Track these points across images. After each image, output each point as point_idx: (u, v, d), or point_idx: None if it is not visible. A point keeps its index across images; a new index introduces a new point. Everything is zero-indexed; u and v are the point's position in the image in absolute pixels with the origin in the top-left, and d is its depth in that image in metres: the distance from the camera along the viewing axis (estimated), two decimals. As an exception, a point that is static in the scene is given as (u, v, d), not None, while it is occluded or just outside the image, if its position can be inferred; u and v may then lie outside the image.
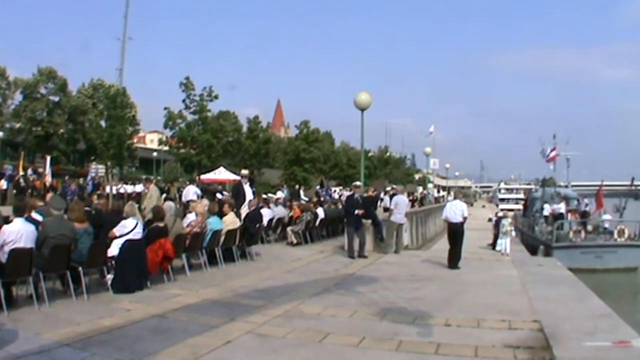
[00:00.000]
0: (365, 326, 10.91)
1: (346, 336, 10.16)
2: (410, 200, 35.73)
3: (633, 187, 46.48)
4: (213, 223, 18.16)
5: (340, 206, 33.85)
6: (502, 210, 44.42)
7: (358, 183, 25.23)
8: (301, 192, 58.56)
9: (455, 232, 21.19)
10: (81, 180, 59.02)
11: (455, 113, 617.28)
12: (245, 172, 24.93)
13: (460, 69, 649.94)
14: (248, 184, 24.35)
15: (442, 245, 25.89)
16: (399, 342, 9.81)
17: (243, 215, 21.67)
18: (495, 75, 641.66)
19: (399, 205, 24.66)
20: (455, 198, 22.85)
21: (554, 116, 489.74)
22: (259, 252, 21.12)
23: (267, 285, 15.38)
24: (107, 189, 47.93)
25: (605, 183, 50.78)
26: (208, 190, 40.92)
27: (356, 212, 22.46)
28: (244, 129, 74.50)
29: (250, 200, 23.28)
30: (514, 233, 32.51)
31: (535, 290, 15.80)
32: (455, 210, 21.30)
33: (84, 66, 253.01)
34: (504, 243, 27.39)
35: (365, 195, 27.15)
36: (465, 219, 21.46)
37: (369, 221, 24.43)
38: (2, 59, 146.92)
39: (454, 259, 20.99)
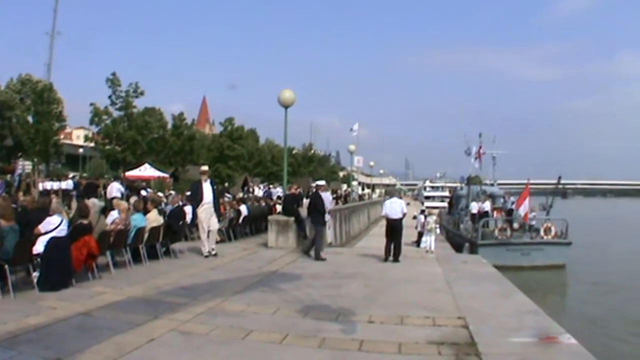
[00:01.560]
0: (289, 323, 10.88)
1: (269, 333, 10.13)
2: (334, 198, 35.88)
3: (560, 186, 47.30)
4: (137, 220, 18.00)
5: (263, 203, 33.90)
6: (426, 207, 44.64)
7: (322, 182, 25.42)
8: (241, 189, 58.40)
9: (395, 228, 21.98)
10: (8, 176, 58.19)
11: (381, 111, 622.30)
12: (204, 168, 22.53)
13: (386, 67, 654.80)
14: (209, 181, 21.54)
15: (366, 243, 26.17)
16: (322, 339, 9.81)
17: (201, 217, 20.86)
18: (422, 74, 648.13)
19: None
20: (392, 196, 23.61)
21: (481, 115, 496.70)
22: (182, 250, 21.01)
23: (190, 282, 15.29)
24: (40, 186, 47.25)
25: (532, 181, 51.43)
26: (133, 187, 40.51)
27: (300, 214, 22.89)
28: (169, 126, 73.87)
29: (205, 201, 21.39)
30: (438, 230, 32.79)
31: (460, 287, 15.88)
32: (395, 207, 22.12)
33: (13, 61, 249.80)
34: (428, 240, 27.71)
35: (288, 193, 27.37)
36: (404, 215, 22.34)
37: (292, 218, 24.58)
38: None
39: (393, 253, 21.76)
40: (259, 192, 51.26)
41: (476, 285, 16.47)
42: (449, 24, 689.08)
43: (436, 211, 51.71)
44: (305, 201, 29.00)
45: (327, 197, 25.15)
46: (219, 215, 21.92)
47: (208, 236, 20.74)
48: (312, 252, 21.72)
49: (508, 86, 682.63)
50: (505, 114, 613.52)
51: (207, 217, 20.62)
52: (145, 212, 19.00)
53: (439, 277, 18.17)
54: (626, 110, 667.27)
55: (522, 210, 40.11)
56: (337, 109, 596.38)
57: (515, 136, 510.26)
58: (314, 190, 24.98)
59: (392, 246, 21.85)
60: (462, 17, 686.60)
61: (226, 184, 65.12)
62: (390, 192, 26.84)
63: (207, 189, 21.00)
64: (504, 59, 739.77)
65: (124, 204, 19.30)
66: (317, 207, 22.56)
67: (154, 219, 19.07)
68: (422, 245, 28.73)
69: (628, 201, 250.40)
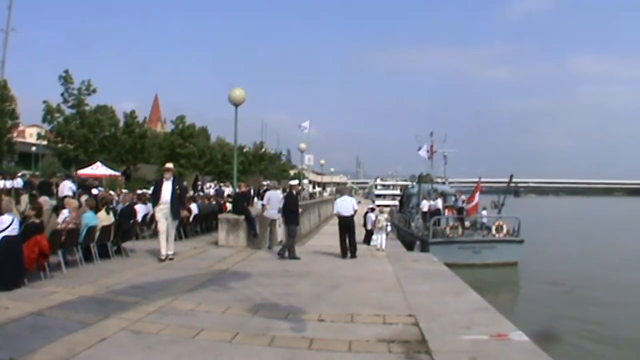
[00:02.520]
0: (239, 322, 10.91)
1: (219, 332, 10.14)
2: (284, 196, 36.02)
3: (512, 185, 47.63)
4: (88, 218, 17.85)
5: (214, 202, 33.87)
6: (377, 206, 44.69)
7: (295, 182, 25.50)
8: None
9: (348, 225, 22.57)
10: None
11: (332, 109, 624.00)
12: (168, 165, 21.09)
13: (338, 65, 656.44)
14: (171, 180, 19.97)
15: (317, 241, 26.18)
16: (272, 337, 9.84)
17: (158, 217, 20.03)
18: (374, 72, 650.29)
19: (272, 200, 24.53)
20: (343, 194, 24.20)
21: (433, 114, 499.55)
22: (133, 249, 20.87)
23: (141, 281, 15.26)
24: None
25: (485, 180, 51.76)
26: (85, 186, 40.15)
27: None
28: (121, 124, 73.28)
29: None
30: (390, 228, 32.86)
31: (411, 285, 16.02)
32: (346, 205, 22.67)
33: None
34: (379, 238, 27.62)
35: (238, 191, 27.32)
36: (355, 212, 22.95)
37: (242, 217, 24.66)
38: None
39: (348, 250, 22.37)
40: (209, 190, 51.10)
41: (427, 283, 16.63)
42: (402, 22, 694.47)
43: (387, 209, 51.86)
44: (256, 200, 28.96)
45: (276, 195, 25.13)
46: (176, 217, 20.28)
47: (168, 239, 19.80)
48: (284, 252, 21.88)
49: (461, 85, 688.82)
50: (457, 113, 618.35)
51: (164, 219, 19.62)
52: (96, 210, 18.86)
53: (390, 275, 18.31)
54: (575, 110, 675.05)
55: (471, 204, 40.85)
56: (288, 107, 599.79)
57: (467, 135, 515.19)
58: (288, 190, 24.98)
59: (347, 243, 22.28)
60: (416, 16, 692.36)
61: (185, 183, 64.87)
62: (341, 190, 26.97)
63: (166, 188, 19.75)
64: (457, 58, 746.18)
65: (74, 202, 19.04)
66: (291, 207, 22.83)
67: (105, 217, 18.93)
68: (373, 243, 28.70)
69: (580, 200, 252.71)
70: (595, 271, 36.76)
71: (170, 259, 19.49)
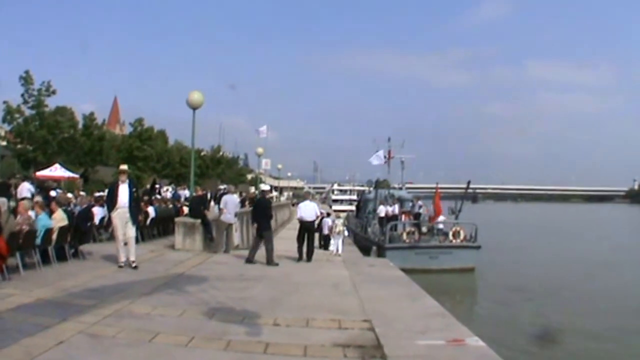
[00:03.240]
0: (195, 326, 10.93)
1: (175, 336, 10.16)
2: (242, 200, 35.95)
3: (470, 190, 47.84)
4: (42, 220, 17.72)
5: (171, 205, 33.81)
6: (335, 211, 44.67)
7: (266, 187, 25.56)
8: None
9: (309, 230, 23.00)
10: None
11: (290, 114, 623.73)
12: (123, 167, 19.57)
13: (296, 69, 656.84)
14: (127, 182, 18.72)
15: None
16: (228, 341, 9.85)
17: (115, 222, 18.89)
18: (332, 77, 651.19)
19: (229, 204, 24.78)
20: (306, 199, 24.47)
21: (392, 119, 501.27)
22: (91, 252, 20.66)
23: (98, 284, 15.14)
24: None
25: (442, 186, 52.01)
26: (43, 188, 39.87)
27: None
28: (80, 126, 72.66)
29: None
30: (346, 233, 32.92)
31: (366, 290, 16.12)
32: (309, 210, 22.88)
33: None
34: (336, 243, 27.75)
35: (194, 195, 27.32)
36: (317, 217, 23.70)
37: (199, 221, 24.61)
38: None
39: (306, 254, 22.72)
40: (167, 193, 50.92)
41: (383, 289, 16.73)
42: (362, 27, 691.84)
43: (344, 214, 52.07)
44: (212, 203, 28.89)
45: (233, 200, 25.42)
46: (135, 222, 19.10)
47: (126, 244, 18.76)
48: (252, 258, 21.84)
49: (420, 91, 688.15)
50: (416, 119, 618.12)
51: (122, 224, 18.52)
52: (51, 212, 18.72)
53: (346, 280, 18.44)
54: (531, 116, 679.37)
55: (441, 217, 41.44)
56: (246, 111, 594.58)
57: (426, 141, 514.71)
58: (260, 195, 25.03)
59: (304, 247, 22.58)
60: (374, 21, 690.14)
61: (148, 186, 64.58)
62: (303, 195, 27.13)
63: (123, 191, 18.53)
64: (416, 64, 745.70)
65: (24, 203, 18.88)
66: (265, 213, 22.65)
67: (60, 218, 18.74)
68: (331, 248, 28.82)
69: (538, 206, 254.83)
70: (553, 278, 37.15)
71: (135, 267, 18.30)
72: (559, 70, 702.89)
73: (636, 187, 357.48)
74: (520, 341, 20.09)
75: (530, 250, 54.37)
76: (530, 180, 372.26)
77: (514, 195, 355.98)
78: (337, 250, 27.44)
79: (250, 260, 21.69)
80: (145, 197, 32.00)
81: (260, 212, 22.69)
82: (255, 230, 22.68)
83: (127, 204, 18.47)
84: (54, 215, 18.62)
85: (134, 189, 19.11)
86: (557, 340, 20.65)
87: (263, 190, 25.27)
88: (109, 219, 21.30)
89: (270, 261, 21.55)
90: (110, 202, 18.90)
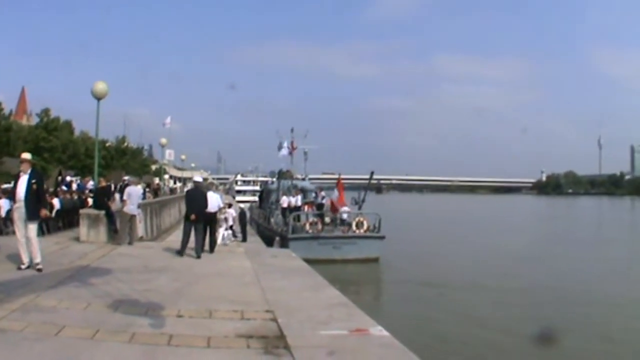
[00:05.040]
0: (99, 318, 10.78)
1: (81, 329, 10.00)
2: (147, 191, 35.71)
3: (375, 181, 48.22)
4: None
5: (76, 197, 33.50)
6: (238, 201, 44.55)
7: (199, 178, 25.40)
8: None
9: (211, 221, 22.86)
10: None
11: (194, 104, 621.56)
12: (24, 156, 17.02)
13: (200, 59, 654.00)
14: (28, 172, 16.42)
15: (177, 237, 26.07)
16: (132, 333, 9.79)
17: (14, 219, 17.09)
18: (238, 68, 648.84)
19: (132, 196, 24.59)
20: (209, 190, 24.23)
21: (297, 110, 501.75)
22: (-1, 245, 20.33)
23: (3, 278, 14.80)
24: None
25: (347, 176, 52.25)
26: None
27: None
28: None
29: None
30: (230, 222, 32.93)
31: (269, 281, 16.20)
32: (212, 201, 22.77)
33: None
34: (222, 233, 28.08)
35: (98, 186, 27.08)
36: (220, 208, 24.00)
37: (103, 212, 24.47)
38: None
39: (209, 245, 22.58)
40: (73, 185, 50.27)
41: (285, 279, 16.84)
42: (267, 19, 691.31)
43: (247, 205, 52.27)
44: (117, 195, 28.72)
45: (136, 191, 25.33)
46: (32, 218, 16.46)
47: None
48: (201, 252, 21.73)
49: (326, 83, 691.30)
50: (322, 111, 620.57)
51: (21, 221, 16.45)
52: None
53: (248, 270, 18.47)
54: (438, 110, 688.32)
55: (345, 208, 41.43)
56: (151, 102, 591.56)
57: (331, 132, 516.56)
58: (193, 186, 24.94)
59: (197, 238, 22.14)
60: (284, 11, 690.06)
61: (59, 178, 63.80)
62: (206, 186, 26.94)
63: (22, 183, 16.36)
64: (323, 55, 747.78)
65: None
66: (201, 204, 22.36)
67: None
68: (220, 241, 28.77)
69: (443, 197, 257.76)
70: (456, 269, 37.61)
71: (39, 269, 16.14)
72: (466, 64, 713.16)
73: (544, 178, 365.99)
74: (425, 330, 20.39)
75: (433, 240, 55.30)
76: (437, 171, 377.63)
77: (419, 186, 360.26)
78: (223, 240, 27.99)
79: (197, 255, 21.43)
80: (51, 189, 31.64)
81: (199, 204, 22.39)
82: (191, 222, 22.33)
83: (23, 198, 16.34)
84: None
85: (33, 181, 16.48)
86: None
87: (196, 182, 25.16)
88: None
89: (200, 253, 21.47)
90: (13, 195, 17.14)
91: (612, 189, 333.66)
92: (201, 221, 21.97)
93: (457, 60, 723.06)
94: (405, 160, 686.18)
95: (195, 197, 22.43)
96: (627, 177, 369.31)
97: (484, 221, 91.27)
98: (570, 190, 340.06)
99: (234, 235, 33.03)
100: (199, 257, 21.10)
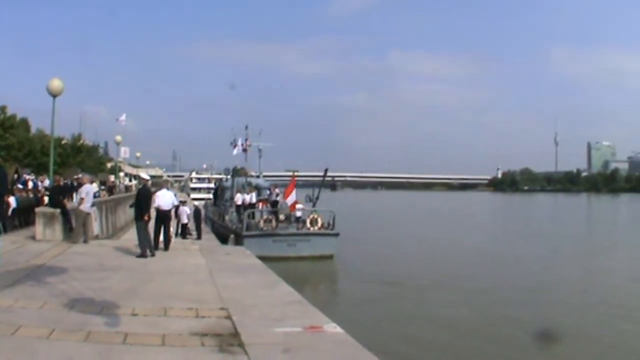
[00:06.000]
0: (55, 317, 10.73)
1: (37, 328, 9.93)
2: (103, 189, 35.62)
3: (329, 178, 48.30)
4: None
5: (32, 195, 33.30)
6: (193, 199, 44.38)
7: (146, 175, 25.29)
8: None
9: (165, 219, 22.88)
10: None
11: (150, 102, 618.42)
12: None
13: (155, 57, 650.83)
14: None
15: (132, 235, 25.97)
16: (88, 332, 9.76)
17: None
18: (192, 65, 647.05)
19: (88, 194, 24.41)
20: (162, 187, 24.47)
21: (252, 108, 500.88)
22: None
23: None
24: None
25: (301, 174, 52.27)
26: None
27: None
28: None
29: None
30: (185, 220, 32.81)
31: (223, 278, 16.24)
32: (166, 198, 22.80)
33: None
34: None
35: (54, 184, 26.99)
36: (174, 206, 24.10)
37: (58, 210, 24.28)
38: None
39: (163, 243, 22.68)
40: (29, 183, 49.90)
41: (240, 277, 16.92)
42: (223, 16, 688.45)
43: (201, 202, 52.05)
44: (75, 195, 28.51)
45: (90, 188, 25.18)
46: None
47: None
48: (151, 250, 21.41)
49: (281, 80, 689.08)
50: (277, 108, 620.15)
51: None
52: None
53: (203, 268, 18.50)
54: (393, 107, 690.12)
55: (290, 200, 40.78)
56: (107, 99, 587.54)
57: (286, 129, 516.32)
58: (142, 185, 24.71)
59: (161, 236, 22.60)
60: (234, 9, 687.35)
61: (16, 176, 63.34)
62: (160, 183, 26.88)
63: None
64: (279, 53, 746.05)
65: None
66: (148, 202, 22.37)
67: None
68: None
69: (399, 194, 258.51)
70: (410, 266, 38.03)
71: None
72: (423, 61, 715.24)
73: (499, 175, 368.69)
74: (378, 327, 20.55)
75: (387, 238, 55.59)
76: (392, 168, 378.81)
77: (374, 183, 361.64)
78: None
79: (150, 253, 21.27)
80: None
81: (145, 202, 22.36)
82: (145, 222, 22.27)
83: None
84: None
85: None
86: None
87: (143, 178, 25.05)
88: None
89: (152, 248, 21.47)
90: None
91: (569, 185, 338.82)
92: (148, 220, 21.97)
93: (413, 57, 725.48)
94: (360, 157, 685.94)
95: (148, 196, 22.54)
96: (584, 174, 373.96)
97: (438, 218, 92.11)
98: (526, 187, 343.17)
99: (189, 232, 33.06)
100: (153, 255, 21.03)
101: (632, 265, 41.37)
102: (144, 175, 25.70)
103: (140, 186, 24.72)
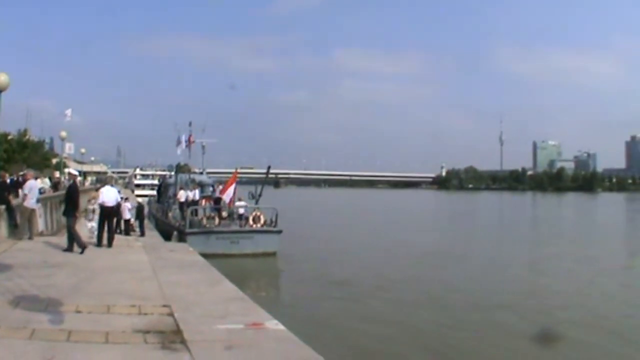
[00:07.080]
0: (0, 315, 10.72)
1: None
2: (51, 186, 35.43)
3: (272, 175, 48.32)
4: None
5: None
6: (137, 195, 44.13)
7: (75, 171, 25.16)
8: None
9: (110, 215, 23.17)
10: None
11: (95, 97, 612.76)
12: None
13: (100, 52, 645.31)
14: None
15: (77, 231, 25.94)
16: (32, 330, 9.76)
17: None
18: (137, 61, 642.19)
19: (32, 190, 24.35)
20: (107, 184, 24.55)
21: (195, 104, 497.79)
22: None
23: None
24: None
25: (244, 171, 52.10)
26: None
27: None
28: None
29: None
30: (128, 216, 32.76)
31: (166, 275, 16.39)
32: (111, 195, 23.05)
33: None
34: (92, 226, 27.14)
35: (0, 181, 26.84)
36: (118, 202, 23.96)
37: (3, 207, 24.03)
38: None
39: (107, 239, 22.74)
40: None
41: (182, 274, 17.10)
42: (167, 12, 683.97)
43: (145, 199, 51.76)
44: (21, 191, 28.47)
45: (34, 185, 25.08)
46: None
47: None
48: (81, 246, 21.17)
49: (224, 77, 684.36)
50: (220, 105, 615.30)
51: None
52: None
53: (146, 265, 18.65)
54: (338, 104, 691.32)
55: (227, 197, 40.77)
56: (53, 94, 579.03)
57: (230, 126, 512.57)
58: (72, 181, 24.66)
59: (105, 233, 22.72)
60: (185, 5, 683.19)
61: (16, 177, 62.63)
62: (105, 180, 26.79)
63: None
64: (224, 50, 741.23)
65: None
66: (75, 199, 22.28)
67: None
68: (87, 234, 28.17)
69: (341, 191, 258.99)
70: (351, 263, 38.34)
71: None
72: (366, 59, 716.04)
73: (444, 173, 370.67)
74: (320, 324, 20.69)
75: (329, 235, 55.56)
76: (336, 166, 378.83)
77: (317, 181, 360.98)
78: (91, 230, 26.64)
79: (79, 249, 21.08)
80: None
81: (74, 198, 22.28)
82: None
83: None
84: None
85: None
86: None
87: (72, 174, 24.98)
88: None
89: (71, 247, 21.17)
90: None
91: (514, 184, 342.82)
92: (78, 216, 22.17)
93: (356, 54, 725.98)
94: (305, 154, 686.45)
95: (77, 192, 22.76)
96: (529, 172, 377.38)
97: (379, 215, 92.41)
98: (470, 185, 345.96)
99: (132, 229, 33.01)
100: (81, 252, 20.80)
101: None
102: (73, 171, 25.66)
103: (70, 182, 24.74)
